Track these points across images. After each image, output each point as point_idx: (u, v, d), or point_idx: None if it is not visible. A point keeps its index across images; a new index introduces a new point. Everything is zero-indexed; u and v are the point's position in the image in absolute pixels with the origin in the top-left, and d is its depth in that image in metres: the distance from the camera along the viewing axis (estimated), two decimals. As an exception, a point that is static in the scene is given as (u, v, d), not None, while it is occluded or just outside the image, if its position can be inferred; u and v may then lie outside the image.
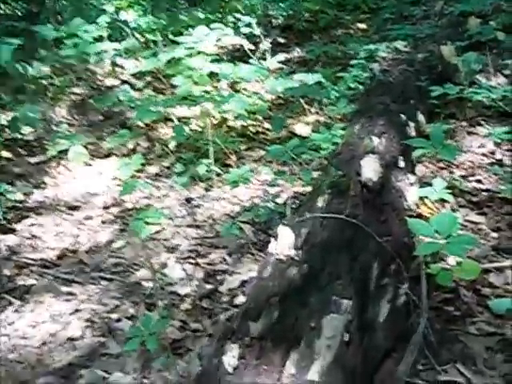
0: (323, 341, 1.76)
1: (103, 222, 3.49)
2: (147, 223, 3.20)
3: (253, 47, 5.14)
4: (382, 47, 4.18)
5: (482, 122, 4.04)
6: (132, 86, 5.55)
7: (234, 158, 3.74)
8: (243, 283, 2.58)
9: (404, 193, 2.64)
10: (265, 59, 5.21)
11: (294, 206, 3.21)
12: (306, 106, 4.49)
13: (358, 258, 2.16)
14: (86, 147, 4.43)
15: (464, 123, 4.03)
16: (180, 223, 3.33)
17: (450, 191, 2.88)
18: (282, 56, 5.34)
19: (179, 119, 4.66)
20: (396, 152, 2.93)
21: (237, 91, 4.77)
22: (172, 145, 4.13)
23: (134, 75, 6.15)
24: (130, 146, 4.51)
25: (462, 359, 2.14)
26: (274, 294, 1.97)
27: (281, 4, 7.30)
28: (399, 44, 4.29)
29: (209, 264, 2.89)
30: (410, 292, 2.20)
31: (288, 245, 2.12)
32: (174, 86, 5.13)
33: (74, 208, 3.69)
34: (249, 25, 5.34)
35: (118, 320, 2.57)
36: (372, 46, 4.30)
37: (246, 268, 2.75)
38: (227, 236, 2.83)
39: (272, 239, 2.20)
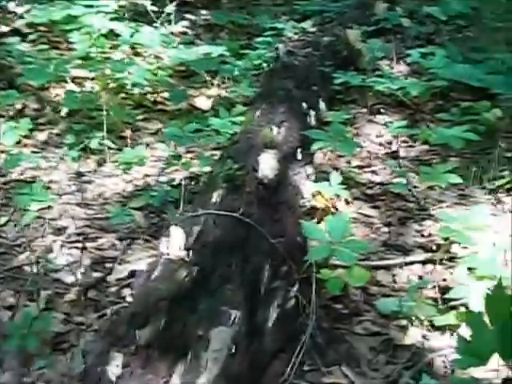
0: (210, 353, 1.77)
1: (-19, 197, 3.31)
2: (33, 200, 3.08)
3: (156, 8, 4.98)
4: (288, 26, 4.16)
5: (382, 111, 4.14)
6: (24, 38, 5.25)
7: (129, 131, 3.64)
8: (132, 273, 2.53)
9: (300, 189, 2.67)
10: (169, 22, 5.08)
11: (189, 187, 3.17)
12: (208, 79, 4.43)
13: (249, 259, 2.17)
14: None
15: (364, 110, 4.12)
16: (68, 200, 3.22)
17: (344, 186, 2.95)
18: (186, 21, 5.24)
19: (73, 80, 4.48)
20: (295, 143, 2.96)
21: (137, 54, 4.62)
22: (64, 111, 3.97)
23: (27, 24, 5.82)
24: (18, 106, 4.29)
25: (347, 360, 2.21)
26: (162, 297, 1.94)
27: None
28: (307, 24, 4.29)
29: (97, 249, 2.82)
30: (299, 295, 2.24)
31: (179, 245, 2.10)
32: (70, 43, 4.92)
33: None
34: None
35: (-5, 310, 2.48)
36: (279, 25, 4.27)
37: (136, 256, 2.71)
38: (118, 220, 2.77)
39: (163, 238, 2.17)
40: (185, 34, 5.00)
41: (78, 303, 2.47)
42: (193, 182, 3.27)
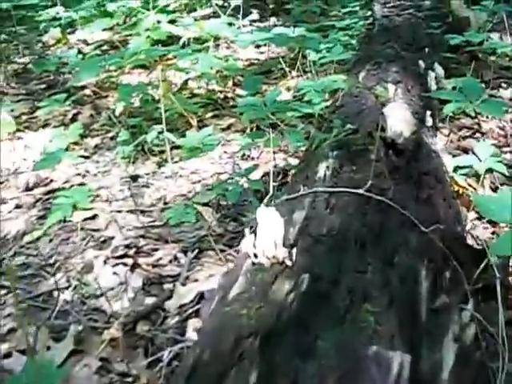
0: None
1: (18, 207, 2.46)
2: (75, 207, 2.20)
3: (221, 2, 4.12)
4: (378, -6, 3.20)
5: (504, 85, 3.11)
6: (80, 51, 4.51)
7: (195, 122, 2.72)
8: (201, 296, 1.58)
9: (443, 159, 1.67)
10: (237, 18, 4.21)
11: (275, 183, 2.23)
12: (286, 69, 3.50)
13: (393, 260, 1.19)
14: (17, 117, 3.42)
15: (482, 85, 3.08)
16: (119, 207, 2.32)
17: (498, 159, 1.94)
18: (255, 15, 4.36)
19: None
20: (419, 106, 1.96)
21: (202, 42, 3.73)
22: (118, 110, 3.10)
23: (87, 44, 5.13)
24: (71, 113, 3.48)
25: None
26: (249, 332, 0.98)
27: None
28: (399, -8, 3.32)
29: (153, 265, 1.89)
30: (479, 316, 1.23)
31: (274, 239, 1.13)
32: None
33: (-14, 189, 2.65)
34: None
35: (8, 355, 1.57)
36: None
37: (205, 272, 1.76)
38: (177, 223, 1.84)
39: (246, 230, 1.21)
40: (255, 26, 4.09)
41: (121, 343, 1.52)
42: (279, 178, 2.33)
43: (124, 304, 1.69)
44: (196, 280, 1.73)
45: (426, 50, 2.62)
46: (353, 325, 1.01)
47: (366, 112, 1.75)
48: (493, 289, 1.29)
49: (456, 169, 1.93)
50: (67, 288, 1.82)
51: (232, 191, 1.96)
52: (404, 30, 2.71)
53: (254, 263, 1.14)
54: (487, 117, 2.68)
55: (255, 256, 1.13)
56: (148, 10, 3.90)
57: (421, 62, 2.28)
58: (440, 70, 2.54)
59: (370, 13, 3.02)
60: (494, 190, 2.11)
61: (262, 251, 1.12)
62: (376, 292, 1.09)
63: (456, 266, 1.28)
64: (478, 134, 2.61)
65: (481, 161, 1.86)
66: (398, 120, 1.47)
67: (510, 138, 2.55)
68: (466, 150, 2.35)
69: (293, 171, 1.99)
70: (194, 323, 1.50)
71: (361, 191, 1.30)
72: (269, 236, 1.12)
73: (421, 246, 1.25)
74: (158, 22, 3.61)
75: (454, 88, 2.27)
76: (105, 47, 5.03)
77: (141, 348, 1.50)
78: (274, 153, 2.50)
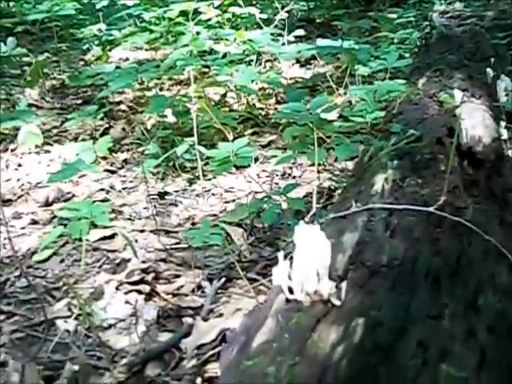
0: None
1: (34, 223, 2.21)
2: (94, 225, 1.93)
3: (265, 16, 3.87)
4: (436, 2, 2.89)
5: None
6: (118, 67, 4.33)
7: (231, 137, 2.44)
8: (224, 336, 1.27)
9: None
10: (281, 35, 3.94)
11: (318, 204, 1.92)
12: (333, 86, 3.20)
13: (477, 301, 0.87)
14: (47, 131, 3.23)
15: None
16: (142, 227, 2.04)
17: None
18: (301, 31, 4.09)
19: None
20: (490, 116, 1.64)
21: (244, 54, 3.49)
22: (150, 123, 2.86)
23: (127, 60, 4.98)
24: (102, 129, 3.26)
25: None
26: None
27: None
28: (457, 4, 3.01)
29: (173, 294, 1.59)
30: None
31: (317, 269, 0.82)
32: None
33: (5, 203, 2.41)
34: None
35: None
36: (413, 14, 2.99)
37: (232, 306, 1.45)
38: (203, 246, 1.54)
39: (279, 255, 0.90)
40: (299, 40, 3.81)
41: (125, 389, 1.23)
42: (323, 199, 2.02)
43: (134, 340, 1.39)
44: (221, 315, 1.43)
45: (492, 60, 2.29)
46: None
47: (430, 120, 1.44)
48: None
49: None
50: (71, 317, 1.54)
51: (268, 211, 1.65)
52: (466, 39, 2.40)
53: (288, 300, 0.83)
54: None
55: (290, 291, 0.83)
56: (188, 20, 3.68)
57: (489, 70, 1.96)
58: (508, 82, 2.21)
59: (425, 23, 2.72)
60: None
61: (300, 284, 0.81)
62: (458, 347, 0.77)
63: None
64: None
65: None
66: (476, 123, 1.15)
67: None
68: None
69: (340, 190, 1.69)
70: (213, 369, 1.20)
71: (431, 209, 0.98)
72: (310, 264, 0.82)
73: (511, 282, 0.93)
74: (198, 33, 3.38)
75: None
76: (145, 65, 4.86)
77: (147, 398, 1.20)
78: (319, 172, 2.20)
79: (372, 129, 1.75)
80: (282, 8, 4.00)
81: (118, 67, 4.36)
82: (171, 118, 2.90)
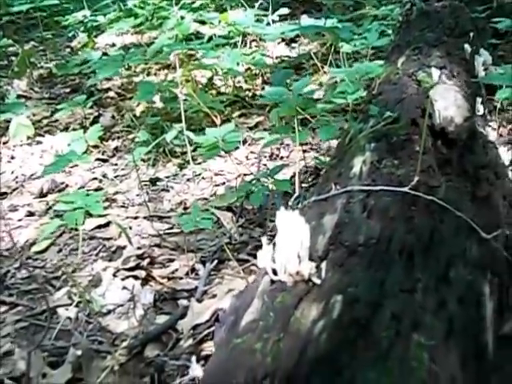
0: None
1: (30, 214, 2.27)
2: (89, 214, 1.99)
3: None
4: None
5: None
6: (105, 53, 4.34)
7: (219, 121, 2.49)
8: (217, 317, 1.35)
9: (500, 151, 1.40)
10: (265, 15, 3.97)
11: (306, 184, 1.99)
12: (318, 64, 3.25)
13: (448, 275, 0.94)
14: (37, 122, 3.27)
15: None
16: (136, 213, 2.11)
17: None
18: (285, 9, 4.11)
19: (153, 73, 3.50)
20: (467, 92, 1.69)
21: (227, 37, 3.52)
22: (139, 110, 2.90)
23: (114, 46, 4.99)
24: (92, 116, 3.30)
25: None
26: (264, 373, 0.74)
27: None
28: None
29: (168, 278, 1.66)
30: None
31: (298, 251, 0.89)
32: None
33: (0, 196, 2.47)
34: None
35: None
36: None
37: (224, 287, 1.52)
38: (195, 230, 1.60)
39: (263, 239, 0.97)
40: (284, 19, 3.84)
41: (126, 370, 1.30)
42: (309, 178, 2.09)
43: (132, 323, 1.47)
44: (214, 296, 1.50)
45: (471, 35, 2.34)
46: (400, 363, 0.76)
47: (408, 100, 1.49)
48: None
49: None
50: (71, 304, 1.61)
51: (256, 193, 1.72)
52: (445, 14, 2.44)
53: (273, 281, 0.90)
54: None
55: (274, 273, 0.90)
56: (172, 5, 3.71)
57: (466, 46, 2.01)
58: (487, 56, 2.26)
59: (406, -1, 2.76)
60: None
61: (283, 266, 0.88)
62: (429, 318, 0.84)
63: (526, 281, 1.02)
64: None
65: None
66: (449, 104, 1.21)
67: None
68: (517, 145, 2.08)
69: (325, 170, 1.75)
70: (208, 348, 1.27)
71: (406, 189, 1.05)
72: (291, 247, 0.88)
73: (481, 256, 0.99)
74: (182, 18, 3.40)
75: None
76: (132, 50, 4.88)
77: (147, 378, 1.27)
78: (304, 151, 2.26)
79: (354, 108, 1.81)
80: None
81: (104, 53, 4.39)
82: (159, 104, 2.94)
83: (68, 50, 5.26)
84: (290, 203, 1.25)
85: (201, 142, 1.88)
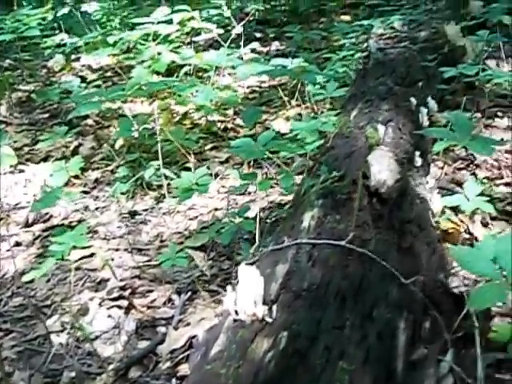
0: None
1: (17, 244, 2.52)
2: (74, 247, 2.25)
3: (222, 31, 4.19)
4: (376, 23, 3.25)
5: (500, 114, 3.14)
6: (83, 79, 4.60)
7: (192, 158, 2.78)
8: (191, 343, 1.62)
9: (428, 203, 1.71)
10: (238, 47, 4.27)
11: (268, 220, 2.28)
12: (285, 98, 3.57)
13: (372, 314, 1.23)
14: (18, 149, 3.52)
15: (478, 115, 3.12)
16: (117, 245, 2.38)
17: (487, 198, 1.98)
18: (256, 43, 4.42)
19: (134, 116, 3.74)
20: (409, 145, 2.01)
21: (200, 77, 3.82)
22: (118, 144, 3.17)
23: (92, 70, 5.25)
24: (73, 145, 3.57)
25: None
26: (227, 393, 1.03)
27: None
28: (396, 23, 3.37)
29: (148, 307, 1.93)
30: (458, 368, 1.26)
31: (254, 297, 1.18)
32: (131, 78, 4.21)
33: (-12, 226, 2.71)
34: (219, 7, 4.39)
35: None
36: (365, 22, 3.36)
37: (197, 316, 1.80)
38: (169, 267, 1.88)
39: (228, 287, 1.25)
40: (256, 53, 4.15)
41: (113, 390, 1.57)
42: (273, 213, 2.38)
43: (118, 348, 1.73)
44: (188, 324, 1.77)
45: (420, 84, 2.66)
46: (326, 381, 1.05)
47: (356, 155, 1.79)
48: (473, 336, 1.32)
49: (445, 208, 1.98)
50: (62, 331, 1.87)
51: (225, 232, 2.00)
52: (398, 63, 2.76)
53: (235, 320, 1.18)
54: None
55: (236, 313, 1.18)
56: (147, 41, 3.98)
57: (412, 99, 2.32)
58: (433, 104, 2.58)
59: (366, 45, 3.08)
60: (485, 225, 2.15)
61: (243, 309, 1.17)
62: (352, 349, 1.13)
63: (437, 316, 1.32)
64: (472, 166, 2.65)
65: (469, 200, 1.90)
66: (382, 169, 1.51)
67: (504, 170, 2.59)
68: (459, 183, 2.40)
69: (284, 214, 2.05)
70: (184, 369, 1.55)
71: (342, 243, 1.35)
72: (249, 294, 1.17)
73: (400, 297, 1.29)
74: (159, 53, 3.68)
75: (445, 125, 2.31)
76: (109, 74, 5.14)
77: (132, 396, 1.54)
78: (267, 195, 2.55)
79: (311, 158, 2.11)
80: (241, 10, 4.31)
81: (83, 79, 4.63)
82: (137, 137, 3.20)
83: (45, 70, 5.50)
84: (251, 251, 1.53)
85: (176, 185, 2.16)
